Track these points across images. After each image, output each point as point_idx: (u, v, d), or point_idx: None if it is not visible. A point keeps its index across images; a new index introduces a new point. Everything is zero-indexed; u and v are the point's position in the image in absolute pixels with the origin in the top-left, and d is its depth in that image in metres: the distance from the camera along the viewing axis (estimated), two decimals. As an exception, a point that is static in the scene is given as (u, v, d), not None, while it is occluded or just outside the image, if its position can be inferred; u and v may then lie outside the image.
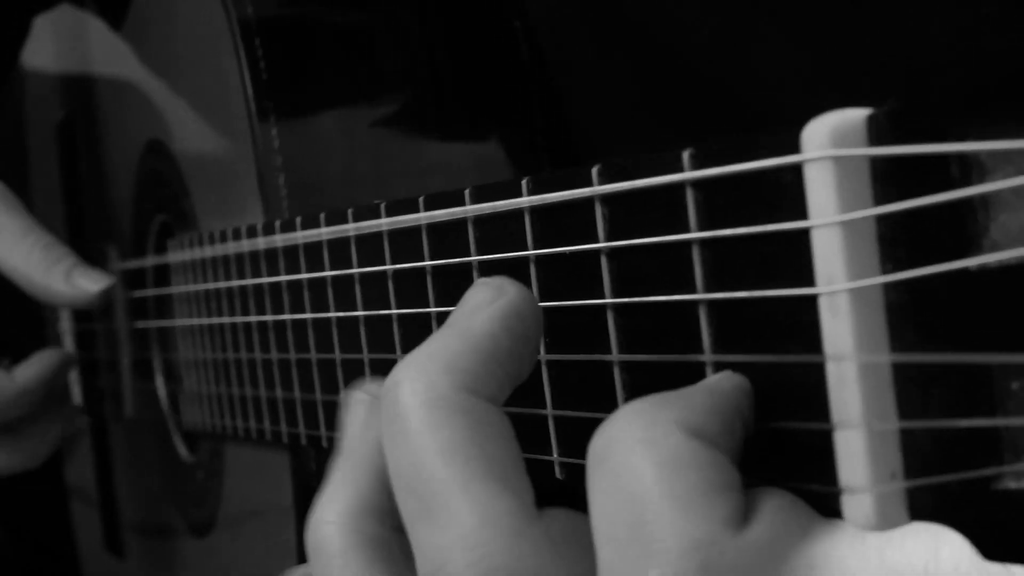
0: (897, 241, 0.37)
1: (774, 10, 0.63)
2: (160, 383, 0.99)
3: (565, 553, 0.41)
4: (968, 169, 0.35)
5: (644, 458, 0.38)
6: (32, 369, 0.95)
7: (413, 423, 0.43)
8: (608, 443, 0.39)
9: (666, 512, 0.38)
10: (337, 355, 0.66)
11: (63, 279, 0.90)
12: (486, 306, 0.45)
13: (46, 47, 1.14)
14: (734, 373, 0.41)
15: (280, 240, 0.71)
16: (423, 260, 0.57)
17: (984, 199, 0.35)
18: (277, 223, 0.71)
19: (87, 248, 1.11)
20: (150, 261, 0.97)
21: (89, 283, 0.91)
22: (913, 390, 0.37)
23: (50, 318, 1.18)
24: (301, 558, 0.78)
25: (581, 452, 0.48)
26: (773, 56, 0.64)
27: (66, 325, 1.16)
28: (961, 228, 0.35)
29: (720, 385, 0.41)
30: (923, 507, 0.37)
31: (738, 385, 0.41)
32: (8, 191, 0.92)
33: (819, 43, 0.62)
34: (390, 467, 0.44)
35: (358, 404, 0.50)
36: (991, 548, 0.35)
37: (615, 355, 0.46)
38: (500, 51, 0.81)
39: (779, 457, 0.40)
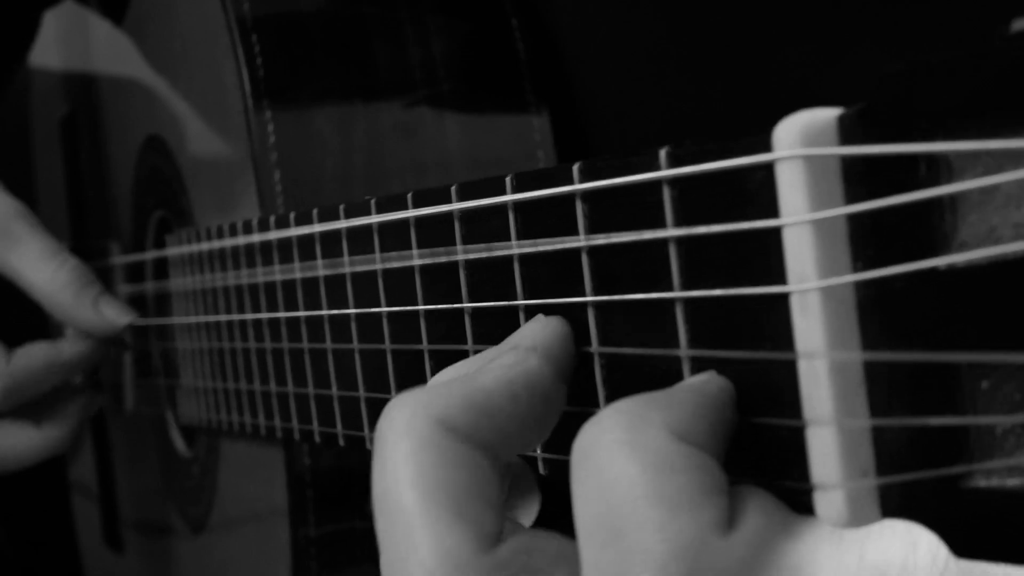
0: (868, 239, 0.37)
1: (816, 10, 0.63)
2: (160, 377, 1.00)
3: None
4: (937, 169, 0.35)
5: (630, 459, 0.38)
6: (77, 347, 0.96)
7: (390, 450, 0.43)
8: (592, 443, 0.39)
9: (653, 515, 0.37)
10: (328, 346, 0.67)
11: (91, 305, 0.91)
12: (505, 367, 0.45)
13: (51, 43, 1.14)
14: (718, 375, 0.41)
15: (274, 236, 0.71)
16: (411, 255, 0.57)
17: (953, 199, 0.35)
18: (272, 219, 0.72)
19: (89, 242, 1.12)
20: (149, 256, 0.98)
21: (117, 314, 0.91)
22: (884, 388, 0.37)
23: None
24: (294, 554, 0.78)
25: (562, 448, 0.49)
26: (787, 50, 0.65)
27: None
28: (931, 227, 0.35)
29: (706, 387, 0.41)
30: (894, 504, 0.37)
31: (723, 387, 0.41)
32: (29, 211, 0.93)
33: (827, 37, 0.62)
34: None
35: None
36: (960, 546, 0.35)
37: (595, 347, 0.47)
38: (497, 49, 0.82)
39: (753, 453, 0.40)
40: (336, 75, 0.80)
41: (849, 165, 0.37)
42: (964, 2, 0.55)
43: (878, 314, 0.37)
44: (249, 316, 0.76)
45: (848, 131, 0.37)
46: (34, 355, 0.92)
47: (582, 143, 0.81)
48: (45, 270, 0.90)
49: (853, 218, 0.37)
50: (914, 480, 0.36)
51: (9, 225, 0.90)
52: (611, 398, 0.46)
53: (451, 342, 0.56)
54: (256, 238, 0.74)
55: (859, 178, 0.37)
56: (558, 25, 0.82)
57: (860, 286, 0.37)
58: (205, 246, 0.82)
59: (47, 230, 0.93)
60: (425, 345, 0.57)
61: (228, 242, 0.78)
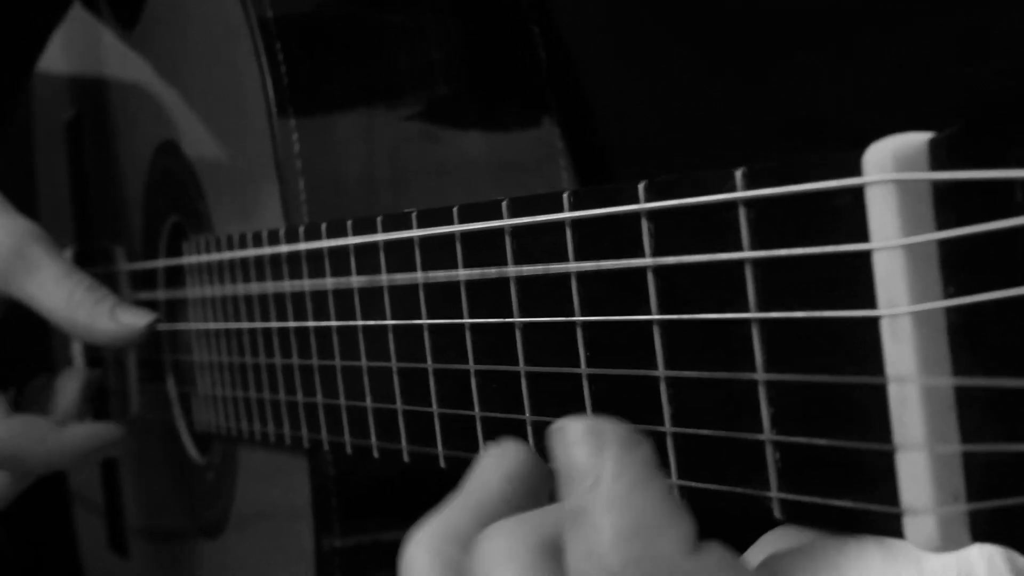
0: (959, 265, 0.37)
1: (820, 20, 0.63)
2: (171, 384, 0.99)
3: None
4: (1034, 194, 0.35)
5: None
6: (83, 432, 0.94)
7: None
8: None
9: None
10: (364, 363, 0.66)
11: (108, 316, 0.90)
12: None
13: (56, 49, 1.13)
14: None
15: (304, 247, 0.71)
16: (456, 271, 0.57)
17: (1050, 225, 0.35)
18: (300, 229, 0.71)
19: (94, 248, 1.11)
20: (162, 263, 0.97)
21: (135, 319, 0.90)
22: (975, 413, 0.37)
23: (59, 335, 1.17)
24: (319, 563, 0.78)
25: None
26: (812, 69, 0.65)
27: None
28: (1025, 253, 0.35)
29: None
30: (984, 530, 0.37)
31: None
32: (44, 232, 0.92)
33: (858, 58, 0.62)
34: None
35: (490, 455, 0.52)
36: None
37: (661, 371, 0.46)
38: (518, 55, 0.81)
39: (840, 476, 0.40)
40: (359, 81, 0.79)
41: (940, 190, 0.37)
42: (963, 5, 0.55)
43: (969, 339, 0.37)
44: (275, 324, 0.76)
45: (939, 155, 0.37)
46: (32, 431, 0.92)
47: (588, 145, 0.81)
48: (61, 294, 0.89)
49: (944, 243, 0.37)
50: (1005, 506, 0.36)
51: (26, 251, 0.89)
52: (677, 419, 0.46)
53: (498, 358, 0.55)
54: (284, 248, 0.73)
55: (950, 203, 0.37)
56: (558, 26, 0.82)
57: (952, 311, 0.37)
58: (227, 255, 0.81)
59: (58, 250, 0.91)
60: (471, 360, 0.57)
61: (253, 252, 0.77)
